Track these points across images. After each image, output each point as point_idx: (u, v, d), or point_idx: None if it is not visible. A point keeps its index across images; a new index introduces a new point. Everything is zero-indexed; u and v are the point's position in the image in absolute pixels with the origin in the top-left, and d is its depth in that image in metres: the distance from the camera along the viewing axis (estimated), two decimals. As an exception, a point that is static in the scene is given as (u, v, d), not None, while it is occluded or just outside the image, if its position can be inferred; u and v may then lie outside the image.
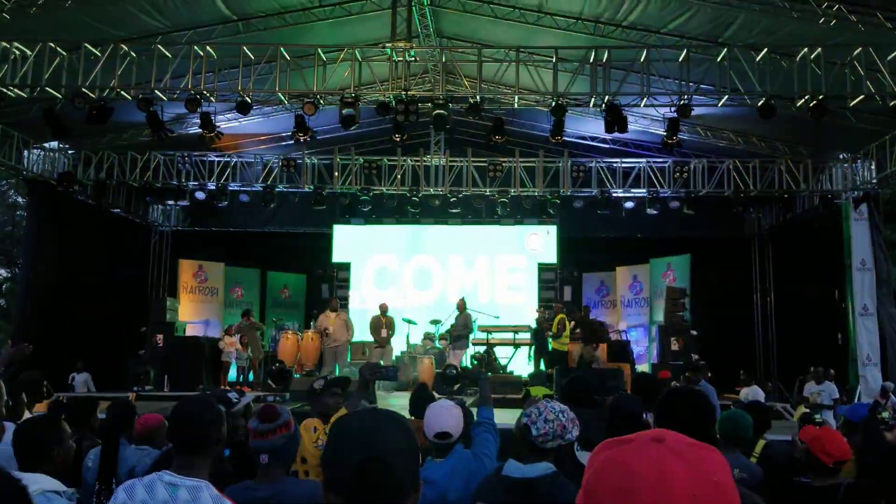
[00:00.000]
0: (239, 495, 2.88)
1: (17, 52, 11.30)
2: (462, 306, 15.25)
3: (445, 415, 3.60)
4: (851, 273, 14.35)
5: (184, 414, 2.93)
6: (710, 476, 1.12)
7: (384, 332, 14.70)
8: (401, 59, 11.76)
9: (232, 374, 15.09)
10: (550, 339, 14.51)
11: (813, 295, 15.69)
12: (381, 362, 13.90)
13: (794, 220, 16.48)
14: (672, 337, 14.32)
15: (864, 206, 14.30)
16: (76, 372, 12.60)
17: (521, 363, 15.40)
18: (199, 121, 12.48)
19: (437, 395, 6.43)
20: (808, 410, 10.38)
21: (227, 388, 13.17)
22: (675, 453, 1.12)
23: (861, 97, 10.85)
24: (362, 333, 15.93)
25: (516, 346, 15.42)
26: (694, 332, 14.69)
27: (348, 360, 14.67)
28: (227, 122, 14.65)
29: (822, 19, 10.29)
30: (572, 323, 14.31)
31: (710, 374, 12.79)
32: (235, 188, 16.35)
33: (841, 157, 15.15)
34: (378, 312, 14.87)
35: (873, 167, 14.27)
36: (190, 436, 2.84)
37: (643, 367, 15.87)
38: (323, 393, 4.83)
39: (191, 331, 16.59)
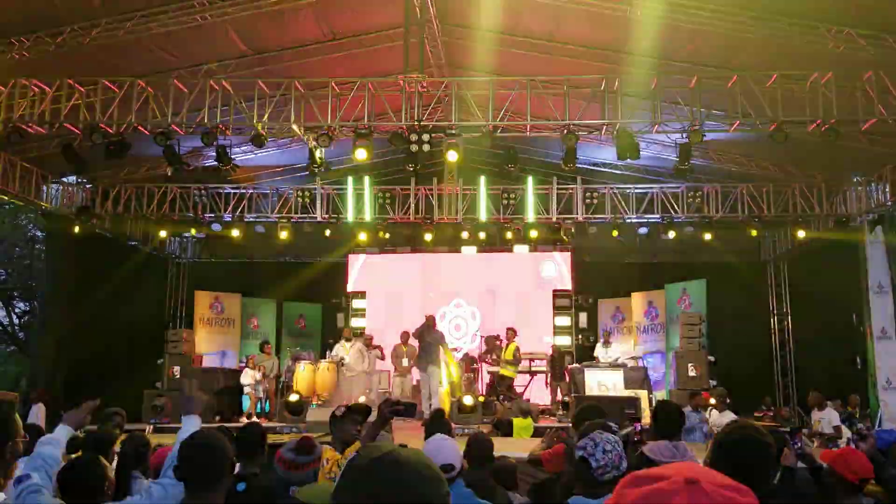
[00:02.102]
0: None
1: (37, 90, 11.49)
2: (433, 322, 14.09)
3: (447, 447, 3.57)
4: (869, 296, 14.25)
5: (197, 448, 2.93)
6: None
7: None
8: (413, 90, 11.86)
9: (245, 404, 15.15)
10: (503, 364, 14.42)
11: (830, 319, 15.58)
12: (397, 392, 13.92)
13: (809, 244, 16.42)
14: (689, 363, 14.23)
15: (879, 229, 14.22)
16: (33, 403, 12.52)
17: (537, 391, 15.35)
18: (214, 154, 12.62)
19: (453, 425, 6.42)
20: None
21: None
22: (710, 499, 1.12)
23: (873, 120, 10.85)
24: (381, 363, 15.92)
25: (532, 373, 15.38)
26: (711, 358, 14.60)
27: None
28: (243, 155, 14.79)
29: (833, 44, 10.33)
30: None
31: (728, 400, 12.76)
32: (251, 219, 16.45)
33: (855, 179, 15.10)
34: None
35: (888, 189, 14.20)
36: (205, 470, 2.83)
37: (660, 394, 15.77)
38: (344, 419, 4.82)
39: (208, 362, 16.64)
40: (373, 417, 4.94)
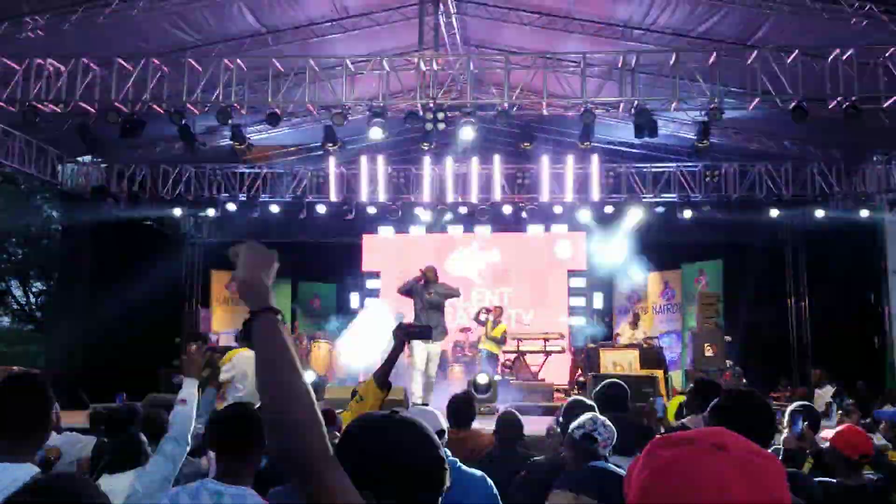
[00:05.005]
0: (287, 499, 2.88)
1: (52, 69, 11.48)
2: (433, 275, 11.20)
3: (431, 414, 3.62)
4: (887, 277, 14.13)
5: (226, 420, 2.95)
6: (769, 490, 1.12)
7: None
8: (428, 68, 11.79)
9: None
10: (487, 339, 14.24)
11: (848, 299, 15.46)
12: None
13: (827, 224, 16.27)
14: (706, 343, 14.17)
15: (899, 208, 14.09)
16: None
17: (552, 370, 15.34)
18: (230, 133, 12.60)
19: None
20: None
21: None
22: (737, 465, 1.12)
23: (895, 98, 10.70)
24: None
25: (547, 353, 15.37)
26: (728, 338, 14.54)
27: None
28: (258, 134, 14.77)
29: (854, 20, 10.18)
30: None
31: (744, 380, 12.74)
32: (266, 199, 16.46)
33: (874, 158, 14.93)
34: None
35: (908, 169, 14.07)
36: (233, 442, 2.85)
37: (676, 374, 15.75)
38: None
39: (224, 341, 16.69)
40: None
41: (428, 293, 11.07)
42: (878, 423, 8.05)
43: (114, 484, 3.44)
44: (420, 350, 11.01)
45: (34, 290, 28.27)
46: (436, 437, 1.57)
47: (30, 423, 2.45)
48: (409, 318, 13.48)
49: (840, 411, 9.51)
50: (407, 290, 11.25)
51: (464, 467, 3.54)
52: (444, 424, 3.64)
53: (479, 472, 3.50)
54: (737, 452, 1.14)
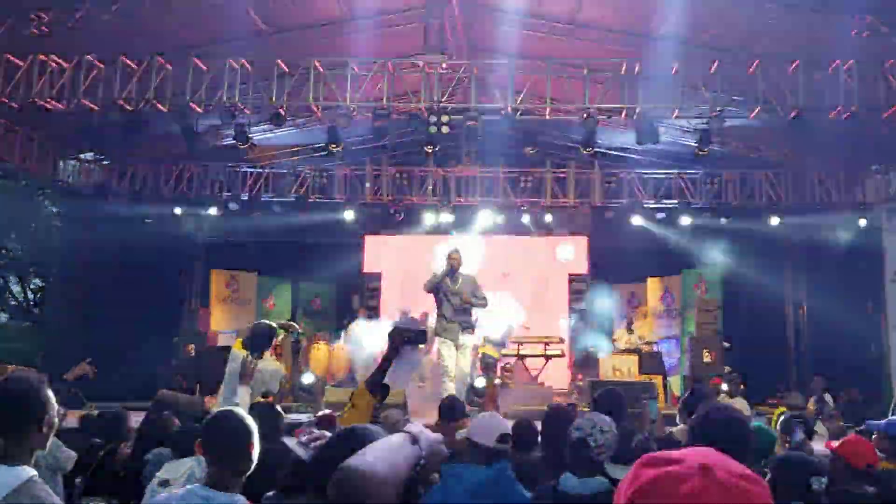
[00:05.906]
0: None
1: (55, 66, 11.49)
2: (457, 262, 10.36)
3: (498, 420, 3.60)
4: (885, 286, 14.14)
5: (216, 426, 2.94)
6: None
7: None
8: (433, 71, 11.81)
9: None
10: (486, 342, 14.20)
11: (846, 307, 15.45)
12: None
13: (826, 232, 16.27)
14: (704, 349, 14.18)
15: (898, 218, 14.10)
16: None
17: (551, 374, 15.34)
18: (233, 132, 12.61)
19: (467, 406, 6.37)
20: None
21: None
22: (721, 487, 1.12)
23: (895, 108, 10.73)
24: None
25: (547, 357, 15.36)
26: (727, 344, 14.55)
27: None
28: (261, 134, 14.79)
29: (855, 31, 10.21)
30: None
31: (742, 386, 12.74)
32: (268, 199, 16.46)
33: (874, 168, 14.95)
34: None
35: (907, 178, 14.09)
36: (223, 448, 2.84)
37: (674, 379, 15.76)
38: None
39: (223, 340, 16.69)
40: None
41: (455, 285, 10.22)
42: (871, 434, 8.09)
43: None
44: (448, 352, 10.24)
45: (32, 286, 28.20)
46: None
47: (25, 426, 2.46)
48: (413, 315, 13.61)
49: (820, 415, 9.64)
50: (434, 287, 10.29)
51: (520, 487, 3.41)
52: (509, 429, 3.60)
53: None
54: (723, 474, 1.13)
